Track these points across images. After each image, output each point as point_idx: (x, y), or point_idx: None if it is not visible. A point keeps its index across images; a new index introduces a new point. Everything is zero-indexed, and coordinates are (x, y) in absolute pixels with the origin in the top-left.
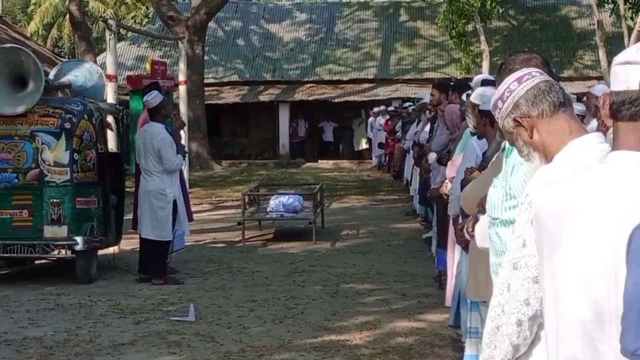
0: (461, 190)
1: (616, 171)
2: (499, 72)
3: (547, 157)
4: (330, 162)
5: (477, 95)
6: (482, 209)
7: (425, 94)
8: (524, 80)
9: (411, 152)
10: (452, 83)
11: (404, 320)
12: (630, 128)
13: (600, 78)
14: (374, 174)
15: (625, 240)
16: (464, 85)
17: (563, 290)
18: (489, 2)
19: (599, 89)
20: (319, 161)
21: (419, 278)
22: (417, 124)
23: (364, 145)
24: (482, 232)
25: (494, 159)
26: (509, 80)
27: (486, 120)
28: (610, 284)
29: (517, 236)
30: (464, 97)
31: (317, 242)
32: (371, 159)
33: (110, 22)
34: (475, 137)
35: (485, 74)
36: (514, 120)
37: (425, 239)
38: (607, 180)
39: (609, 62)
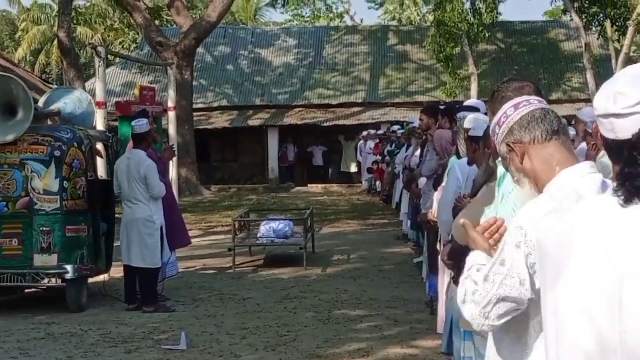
0: (453, 217)
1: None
2: (492, 99)
3: (537, 185)
4: (320, 186)
5: (468, 121)
6: None
7: (414, 118)
8: (520, 106)
9: (401, 176)
10: (442, 107)
11: (396, 347)
12: None
13: (588, 101)
14: (364, 198)
15: (629, 269)
16: (453, 109)
17: (566, 320)
18: (477, 26)
19: (586, 112)
20: (309, 185)
21: (411, 304)
22: (407, 149)
23: (353, 168)
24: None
25: (484, 188)
26: (507, 106)
27: (476, 147)
28: (614, 313)
29: (499, 254)
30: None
31: (308, 267)
32: (361, 182)
33: (100, 49)
34: (458, 161)
35: (474, 99)
36: (507, 145)
37: (416, 264)
38: (610, 209)
39: (597, 85)
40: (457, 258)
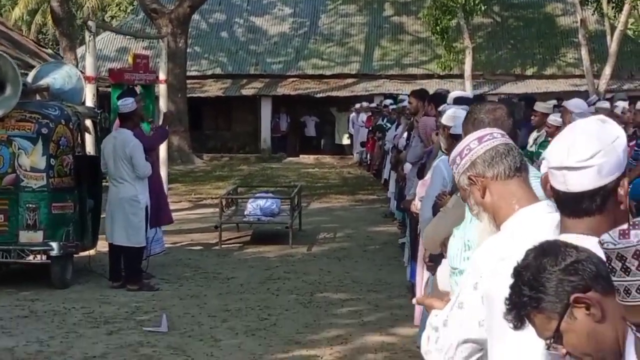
0: (433, 214)
1: None
2: (465, 119)
3: (496, 220)
4: (312, 157)
5: (448, 117)
6: (445, 249)
7: (408, 91)
8: (484, 140)
9: (390, 154)
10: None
11: (375, 334)
12: (575, 221)
13: (582, 76)
14: (355, 171)
15: None
16: (440, 97)
17: None
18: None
19: (574, 103)
20: (301, 156)
21: (393, 288)
22: (397, 127)
23: (345, 140)
24: (443, 277)
25: (454, 197)
26: (470, 137)
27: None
28: None
29: (456, 297)
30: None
31: (294, 246)
32: (352, 154)
33: (90, 23)
34: (444, 157)
35: (460, 91)
36: (469, 178)
37: (400, 245)
38: None
39: (592, 61)
40: (438, 260)
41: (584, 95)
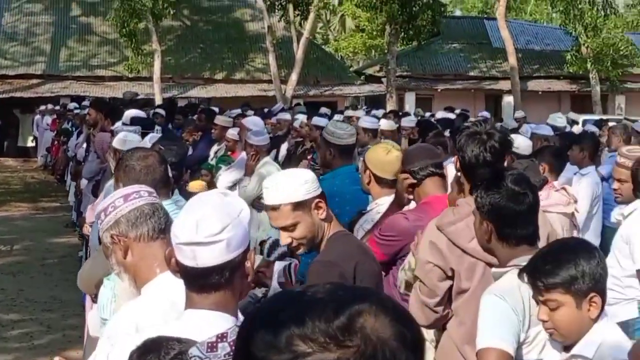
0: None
1: (190, 329)
2: (117, 166)
3: (137, 282)
4: None
5: (119, 140)
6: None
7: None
8: (130, 198)
9: (72, 162)
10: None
11: (45, 358)
12: (202, 296)
13: (270, 82)
14: (40, 175)
15: None
16: (117, 112)
17: None
18: (162, 2)
19: (250, 121)
20: None
21: (68, 306)
22: (79, 135)
23: (29, 143)
24: (94, 322)
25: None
26: (117, 194)
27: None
28: None
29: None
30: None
31: None
32: (37, 158)
33: None
34: None
35: (137, 111)
36: (112, 237)
37: (80, 258)
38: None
39: (279, 67)
40: None
41: (271, 100)
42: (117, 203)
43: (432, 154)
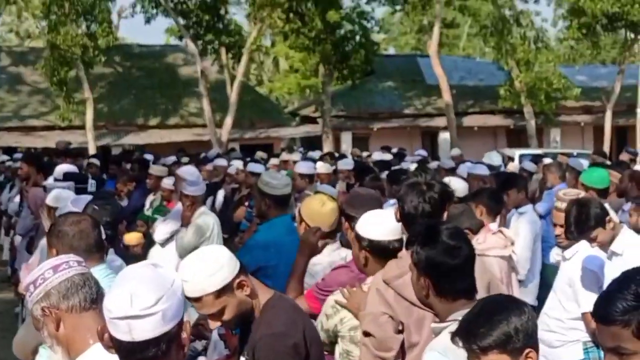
0: None
1: None
2: (50, 232)
3: (70, 353)
4: None
5: (52, 197)
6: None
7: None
8: (60, 269)
9: (4, 217)
10: (46, 159)
11: None
12: None
13: (205, 126)
14: None
15: None
16: (49, 166)
17: None
18: (92, 49)
19: (185, 171)
20: None
21: None
22: (11, 189)
23: None
24: None
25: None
26: (46, 266)
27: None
28: None
29: None
30: None
31: None
32: None
33: None
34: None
35: (69, 166)
36: (42, 309)
37: (16, 314)
38: None
39: (213, 110)
40: None
41: (206, 144)
42: (47, 275)
43: (374, 202)
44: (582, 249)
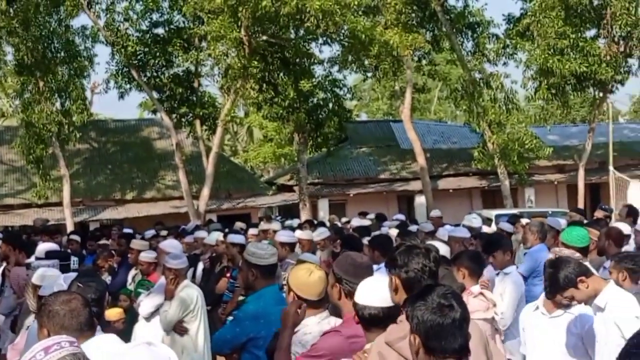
0: None
1: None
2: (40, 311)
3: None
4: None
5: (38, 276)
6: None
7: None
8: (51, 350)
9: None
10: (24, 237)
11: None
12: None
13: (182, 198)
14: None
15: None
16: (30, 245)
17: None
18: (67, 126)
19: (168, 244)
20: None
21: None
22: None
23: None
24: None
25: None
26: (37, 348)
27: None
28: None
29: None
30: None
31: None
32: None
33: None
34: None
35: (50, 244)
36: None
37: None
38: None
39: (190, 182)
40: None
41: (184, 216)
42: (38, 356)
43: (369, 270)
44: (576, 309)
